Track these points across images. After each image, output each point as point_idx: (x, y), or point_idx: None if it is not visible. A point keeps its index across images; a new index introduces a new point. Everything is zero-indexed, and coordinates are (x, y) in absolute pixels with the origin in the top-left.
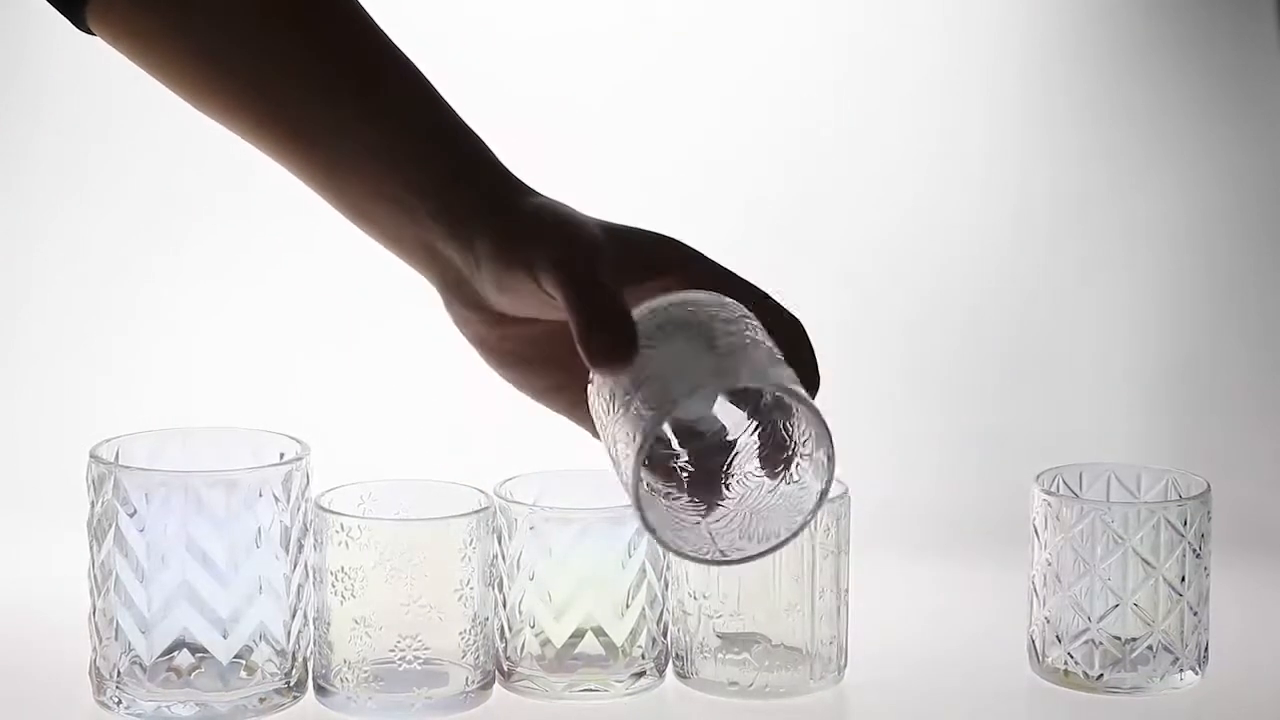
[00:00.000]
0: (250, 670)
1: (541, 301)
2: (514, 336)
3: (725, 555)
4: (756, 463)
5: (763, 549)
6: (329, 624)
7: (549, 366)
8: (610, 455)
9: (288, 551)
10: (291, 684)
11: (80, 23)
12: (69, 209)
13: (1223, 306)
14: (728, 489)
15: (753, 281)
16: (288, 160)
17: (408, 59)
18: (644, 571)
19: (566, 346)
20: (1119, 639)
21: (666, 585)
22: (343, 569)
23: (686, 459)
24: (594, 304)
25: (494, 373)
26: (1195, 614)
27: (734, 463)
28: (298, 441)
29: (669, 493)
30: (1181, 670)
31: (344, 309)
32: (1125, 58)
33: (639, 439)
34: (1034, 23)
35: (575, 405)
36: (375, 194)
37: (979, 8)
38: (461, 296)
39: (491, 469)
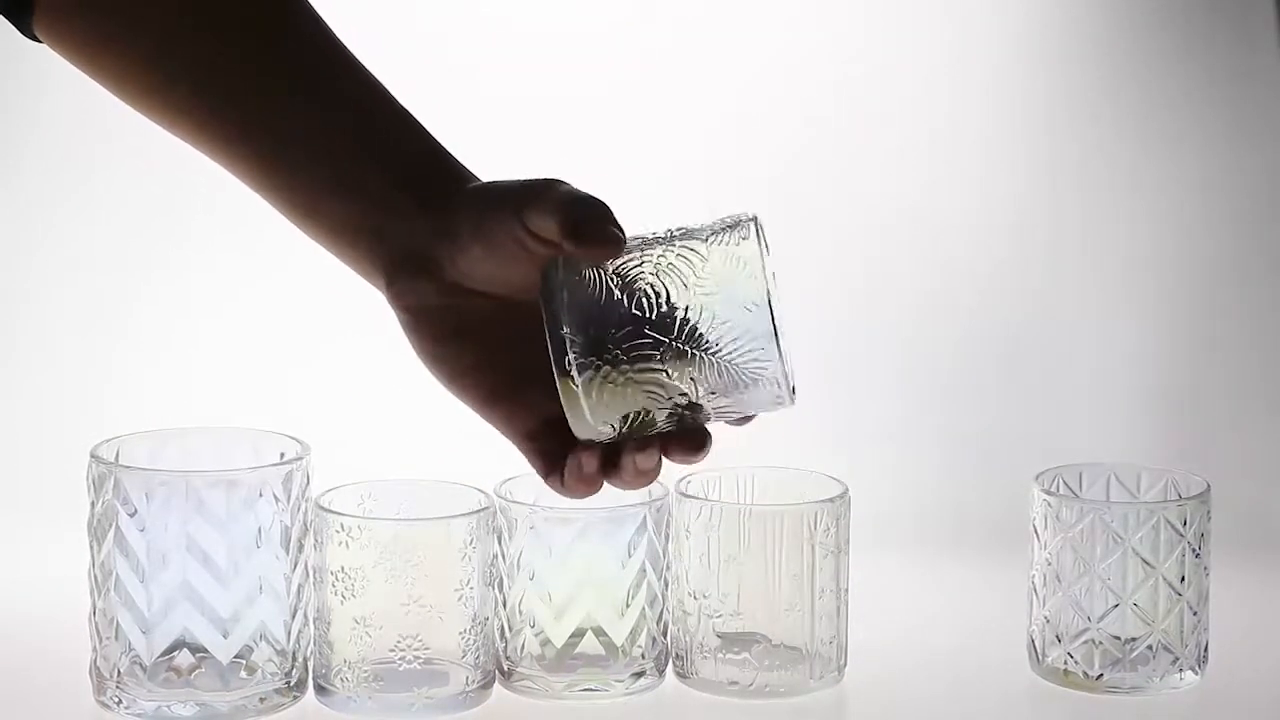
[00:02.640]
0: (250, 670)
1: (524, 258)
2: (459, 309)
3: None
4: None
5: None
6: (329, 624)
7: (479, 346)
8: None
9: (288, 551)
10: (292, 684)
11: (27, 31)
12: (69, 209)
13: (1223, 306)
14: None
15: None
16: (233, 159)
17: (351, 53)
18: (644, 571)
19: (502, 328)
20: (1119, 639)
21: (666, 585)
22: (343, 569)
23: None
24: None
25: (415, 350)
26: (1195, 614)
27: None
28: (298, 441)
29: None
30: (1181, 670)
31: (344, 309)
32: (1126, 58)
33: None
34: (1034, 23)
35: (490, 398)
36: (330, 183)
37: (980, 7)
38: (414, 267)
39: (491, 469)
